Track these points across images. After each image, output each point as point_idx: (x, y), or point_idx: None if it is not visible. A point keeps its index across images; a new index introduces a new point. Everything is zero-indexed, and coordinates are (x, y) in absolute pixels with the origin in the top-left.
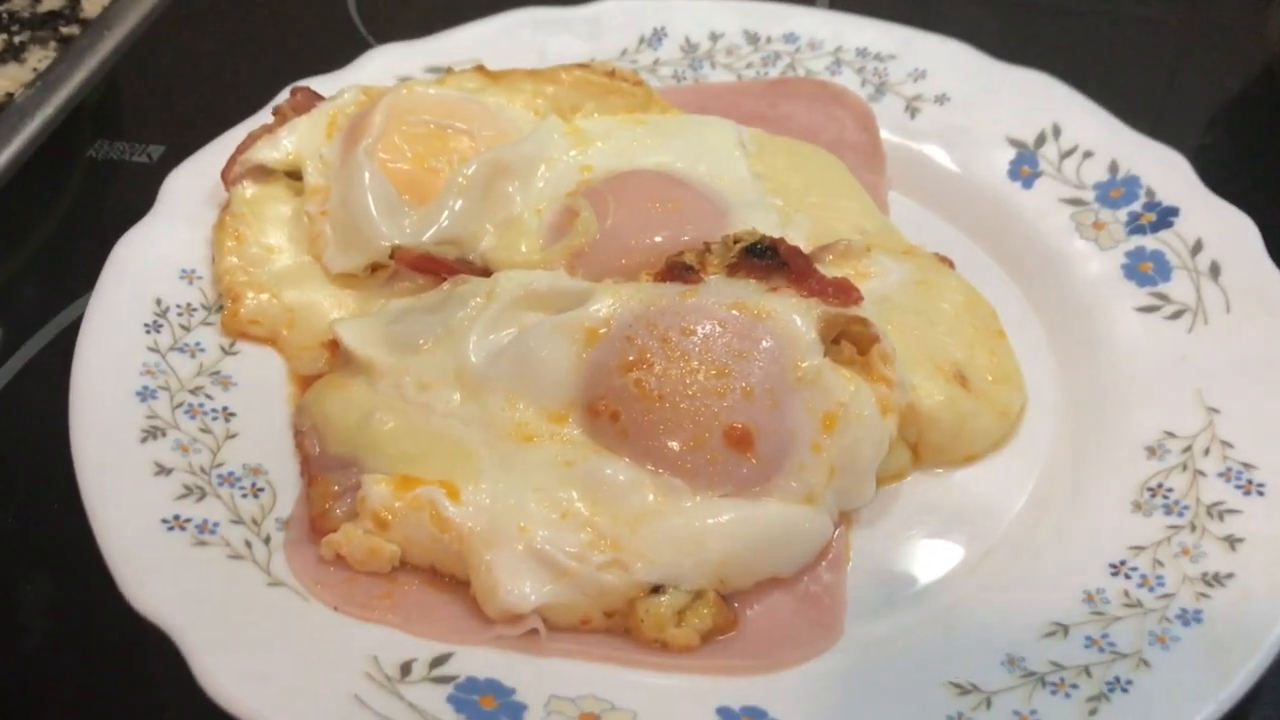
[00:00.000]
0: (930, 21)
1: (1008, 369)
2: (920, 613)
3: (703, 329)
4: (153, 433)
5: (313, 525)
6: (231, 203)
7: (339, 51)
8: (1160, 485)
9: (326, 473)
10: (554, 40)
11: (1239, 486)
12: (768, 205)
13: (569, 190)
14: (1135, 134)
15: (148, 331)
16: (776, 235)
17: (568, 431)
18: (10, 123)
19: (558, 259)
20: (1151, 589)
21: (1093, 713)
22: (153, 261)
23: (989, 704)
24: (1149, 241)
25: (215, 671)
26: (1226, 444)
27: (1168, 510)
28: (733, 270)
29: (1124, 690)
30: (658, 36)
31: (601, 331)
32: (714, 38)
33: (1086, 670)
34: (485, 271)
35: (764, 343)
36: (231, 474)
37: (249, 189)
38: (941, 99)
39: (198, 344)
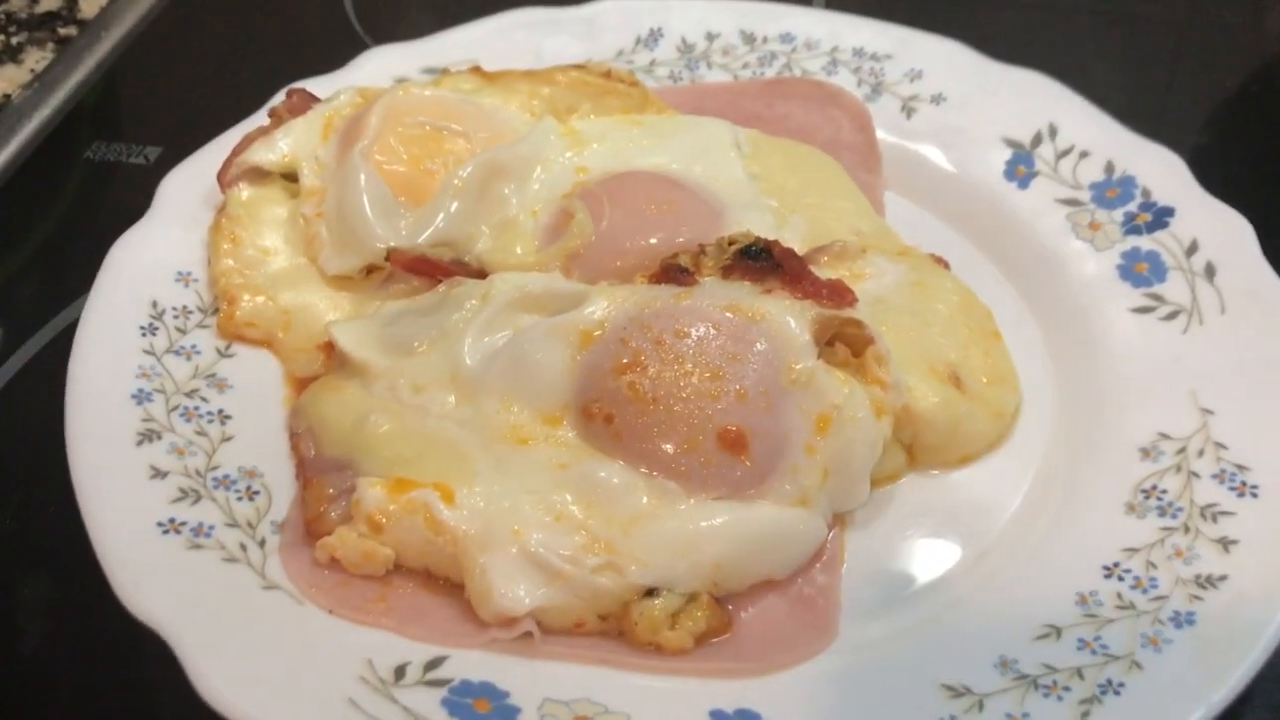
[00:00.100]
0: (926, 21)
1: (1003, 370)
2: (914, 614)
3: (697, 331)
4: (148, 436)
5: (307, 528)
6: (227, 205)
7: (336, 52)
8: (1154, 487)
9: (321, 475)
10: (550, 41)
11: (1233, 488)
12: (763, 206)
13: (565, 192)
14: (1131, 134)
15: (143, 334)
16: (772, 236)
17: (562, 434)
18: (8, 124)
19: (553, 261)
20: (1144, 591)
21: (1085, 715)
22: (149, 264)
23: (981, 706)
24: (1144, 242)
25: (209, 674)
26: (1220, 445)
27: (1161, 512)
28: (727, 272)
29: (1116, 693)
30: (654, 37)
31: (596, 334)
32: (710, 38)
33: (1079, 672)
34: (481, 273)
35: (758, 345)
36: (227, 477)
37: (245, 191)
38: (938, 99)
39: (193, 346)
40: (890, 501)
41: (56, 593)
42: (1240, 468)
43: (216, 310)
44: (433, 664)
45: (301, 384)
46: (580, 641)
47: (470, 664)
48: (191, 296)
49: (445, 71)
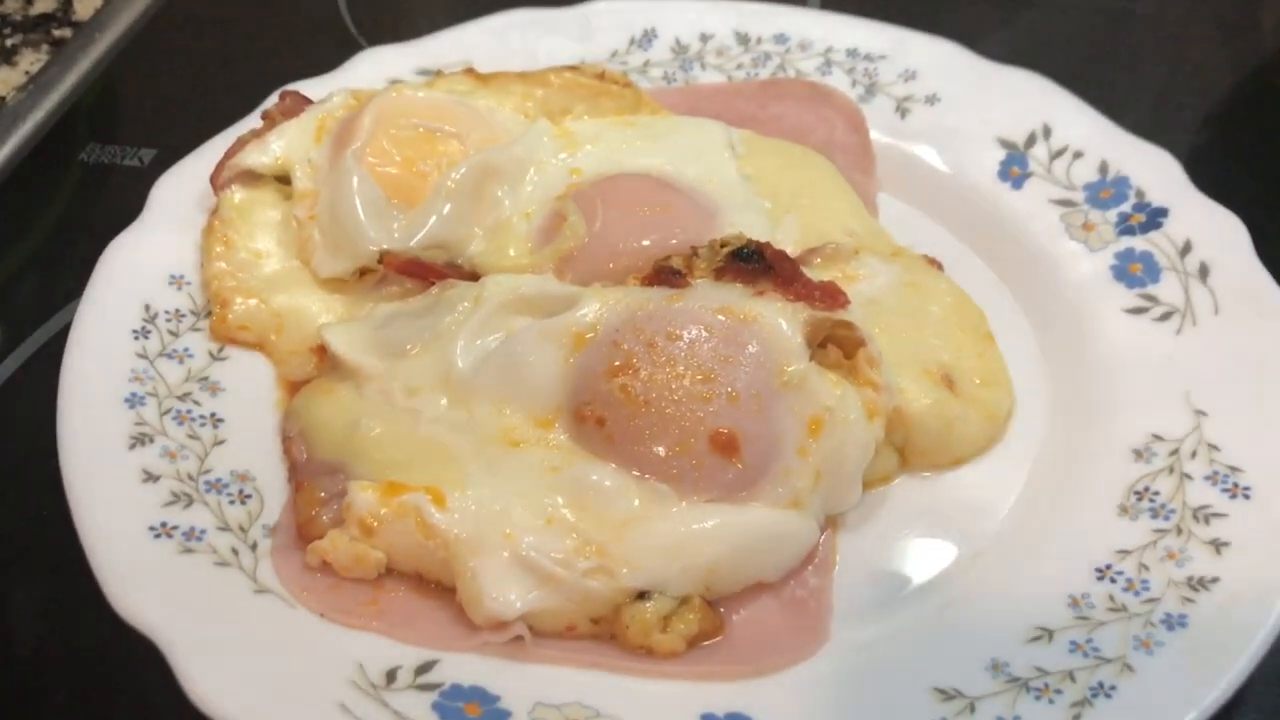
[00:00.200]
0: (921, 21)
1: (996, 371)
2: (906, 617)
3: (689, 334)
4: (140, 439)
5: (299, 532)
6: (220, 208)
7: (331, 53)
8: (1147, 489)
9: (313, 479)
10: (544, 41)
11: (1225, 490)
12: (757, 207)
13: (558, 194)
14: (1125, 134)
15: (136, 338)
16: (765, 237)
17: (554, 437)
18: (2, 126)
19: (546, 263)
20: (1137, 593)
21: (1076, 718)
22: (141, 267)
23: (973, 709)
24: (1138, 243)
25: (201, 678)
26: (1213, 447)
27: (1154, 514)
28: (720, 274)
29: (1107, 696)
30: (648, 38)
31: (588, 336)
32: (704, 39)
33: (1070, 675)
34: (474, 275)
35: (750, 347)
36: (219, 480)
37: (238, 194)
38: (932, 99)
39: (186, 350)
40: (882, 503)
41: (49, 596)
42: (1233, 469)
43: (209, 313)
44: (424, 668)
45: (294, 387)
46: (572, 645)
47: (461, 668)
48: (184, 300)
49: (439, 73)
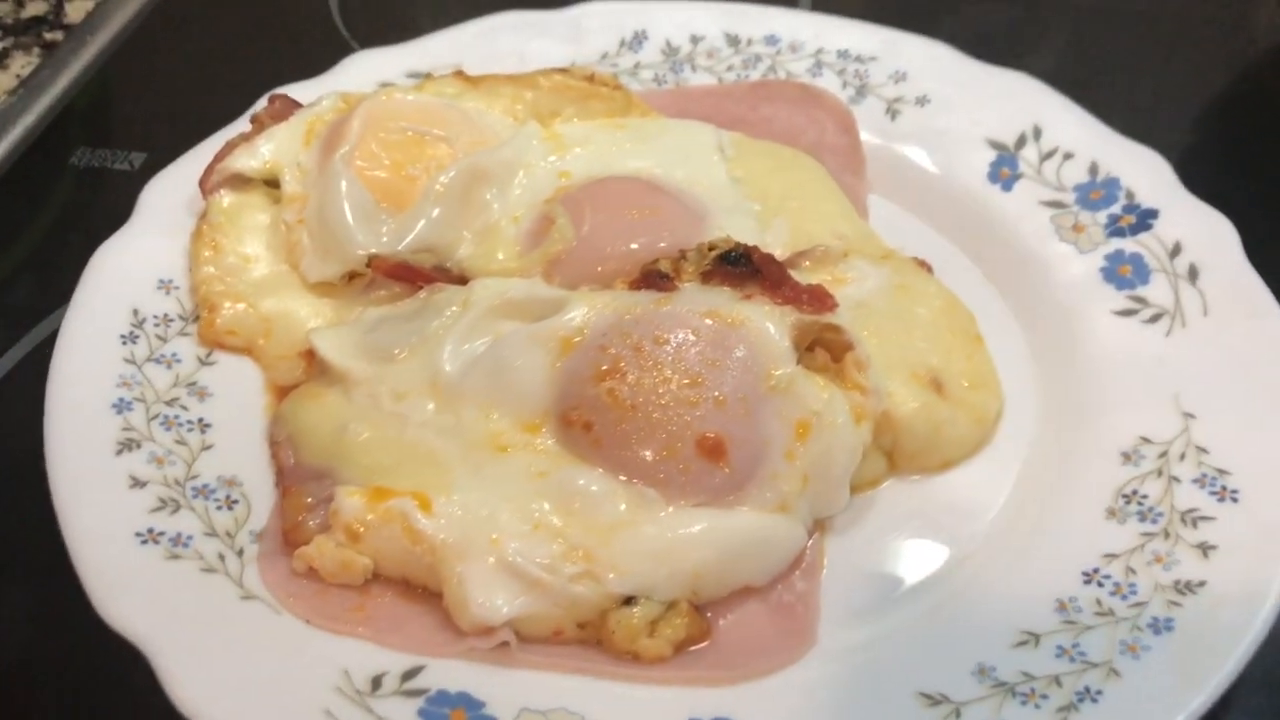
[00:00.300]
0: (912, 22)
1: (984, 374)
2: (894, 621)
3: (676, 338)
4: (128, 445)
5: (286, 537)
6: (209, 212)
7: (323, 56)
8: (1135, 492)
9: (300, 484)
10: (534, 44)
11: (1213, 493)
12: (746, 210)
13: (547, 197)
14: (1116, 135)
15: (124, 343)
16: (754, 240)
17: (541, 442)
18: None
19: (534, 266)
20: (1124, 597)
21: None
22: (130, 272)
23: (958, 715)
24: (1128, 244)
25: (186, 685)
26: (1201, 449)
27: (1142, 517)
28: (707, 278)
29: (1094, 700)
30: (638, 39)
31: (576, 340)
32: (695, 40)
33: (1057, 680)
34: (462, 279)
35: (737, 351)
36: (206, 486)
37: (226, 198)
38: (922, 101)
39: (174, 355)
40: (870, 507)
41: (35, 601)
42: (1221, 472)
43: (198, 318)
44: (410, 674)
45: (283, 391)
46: (558, 650)
47: (447, 674)
48: (173, 304)
49: (429, 75)
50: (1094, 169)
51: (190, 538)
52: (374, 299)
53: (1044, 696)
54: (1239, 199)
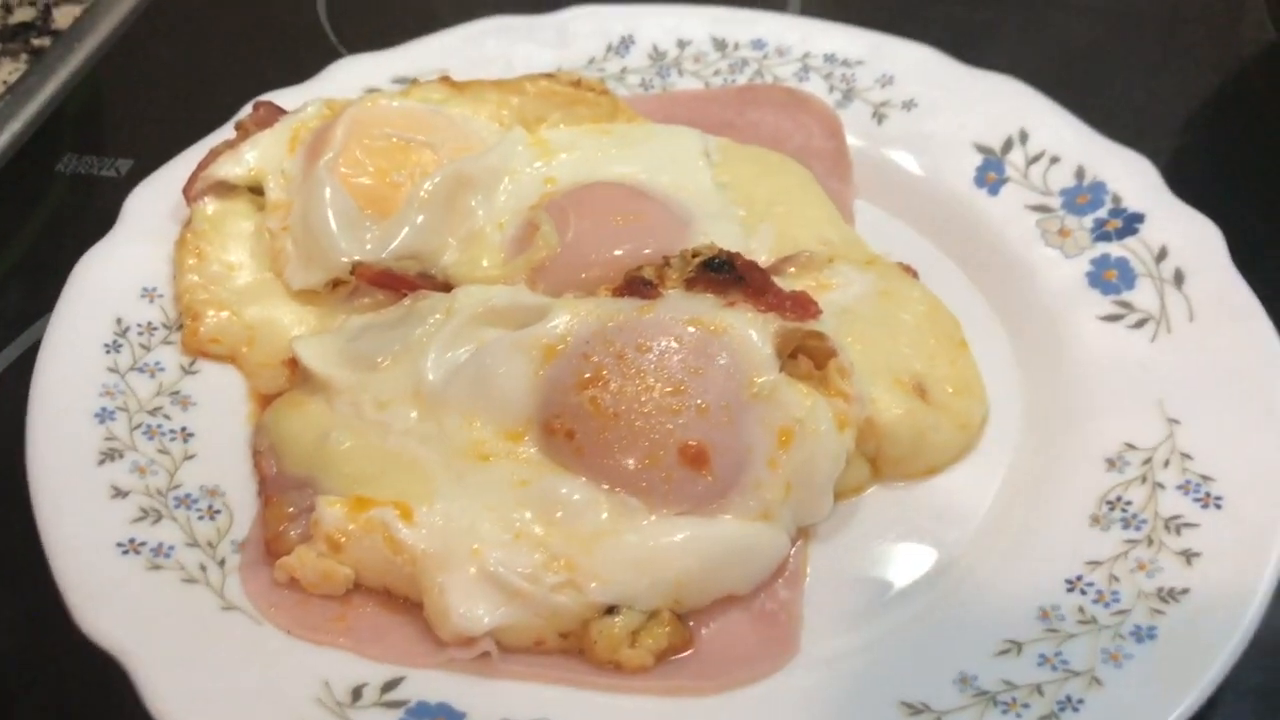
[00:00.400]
0: (899, 25)
1: (969, 380)
2: (876, 629)
3: (659, 345)
4: (110, 455)
5: (267, 547)
6: (193, 219)
7: (311, 61)
8: (1119, 498)
9: (282, 493)
10: (521, 48)
11: (1197, 499)
12: (731, 216)
13: (532, 203)
14: (1103, 139)
15: (107, 352)
16: (739, 246)
17: (524, 450)
18: None
19: (519, 273)
20: (1107, 605)
21: None
22: (113, 280)
23: None
24: (1114, 249)
25: (165, 696)
26: (1186, 456)
27: (1125, 524)
28: (691, 285)
29: (1075, 709)
30: (625, 44)
31: (559, 348)
32: (681, 45)
33: (1039, 689)
34: (447, 286)
35: (720, 359)
36: (188, 496)
37: (211, 205)
38: (909, 105)
39: (157, 363)
40: (854, 514)
41: (14, 611)
42: (1205, 478)
43: (181, 326)
44: (390, 685)
45: (266, 400)
46: (540, 660)
47: (428, 684)
48: (156, 313)
49: (414, 82)
50: (1080, 173)
51: (172, 548)
52: (358, 306)
53: (1025, 705)
54: (1227, 202)
